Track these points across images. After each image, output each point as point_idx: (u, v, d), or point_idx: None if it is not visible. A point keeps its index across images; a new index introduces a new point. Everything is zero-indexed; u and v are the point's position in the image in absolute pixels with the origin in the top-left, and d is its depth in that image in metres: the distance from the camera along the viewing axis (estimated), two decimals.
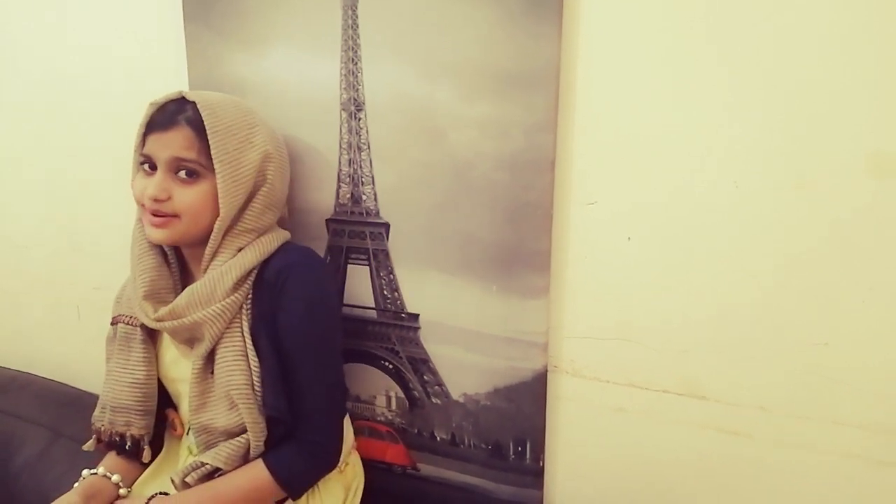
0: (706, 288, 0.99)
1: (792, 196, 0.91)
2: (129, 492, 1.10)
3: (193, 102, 0.99)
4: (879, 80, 0.85)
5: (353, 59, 1.12)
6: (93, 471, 1.09)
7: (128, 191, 1.43)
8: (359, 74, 1.12)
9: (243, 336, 1.01)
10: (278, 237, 1.08)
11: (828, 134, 0.88)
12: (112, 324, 1.13)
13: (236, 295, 1.01)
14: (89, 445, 1.13)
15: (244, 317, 1.02)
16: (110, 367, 1.11)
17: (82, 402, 1.48)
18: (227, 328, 1.01)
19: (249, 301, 1.03)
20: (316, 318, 1.05)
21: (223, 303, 1.00)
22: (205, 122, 0.98)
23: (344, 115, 1.15)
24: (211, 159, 0.98)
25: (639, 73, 0.96)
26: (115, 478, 1.09)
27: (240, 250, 1.03)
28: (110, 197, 1.50)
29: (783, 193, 0.92)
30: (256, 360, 1.00)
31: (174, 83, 1.30)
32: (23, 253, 1.68)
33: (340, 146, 1.17)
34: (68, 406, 1.49)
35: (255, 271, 1.04)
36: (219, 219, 1.00)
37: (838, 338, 0.93)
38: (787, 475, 1.00)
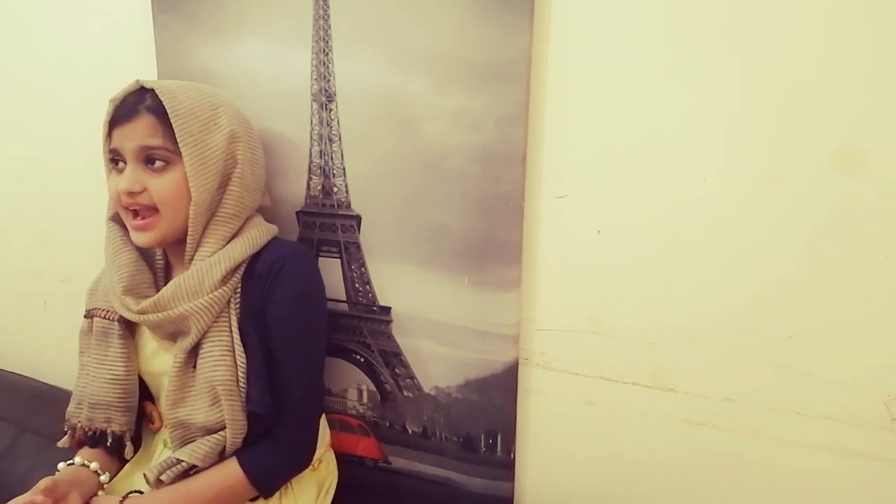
0: (675, 281, 0.99)
1: (760, 190, 0.92)
2: (109, 477, 1.06)
3: (152, 90, 0.99)
4: (850, 75, 0.86)
5: (324, 50, 1.11)
6: (69, 462, 1.06)
7: (98, 181, 1.42)
8: (330, 65, 1.12)
9: (231, 330, 1.00)
10: (268, 231, 1.07)
11: (796, 129, 0.89)
12: (86, 317, 1.11)
13: (224, 288, 1.00)
14: (64, 442, 1.11)
15: (232, 310, 1.01)
16: (85, 361, 1.09)
17: (49, 397, 1.47)
18: (214, 322, 1.00)
19: (238, 294, 1.02)
20: (305, 313, 1.04)
21: (211, 295, 0.99)
22: (166, 107, 0.97)
23: (315, 106, 1.15)
24: (176, 144, 0.97)
25: (609, 66, 0.97)
26: (93, 465, 1.05)
27: (227, 239, 1.02)
28: (80, 188, 1.48)
29: (751, 187, 0.93)
30: (244, 355, 0.99)
31: (143, 74, 1.28)
32: None
33: (311, 138, 1.16)
34: (34, 400, 1.47)
35: (245, 265, 1.03)
36: (192, 203, 0.99)
37: (804, 330, 0.94)
38: (754, 466, 1.01)
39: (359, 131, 1.12)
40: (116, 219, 1.07)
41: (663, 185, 0.97)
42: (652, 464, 1.08)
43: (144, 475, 1.00)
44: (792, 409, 0.97)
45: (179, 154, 0.98)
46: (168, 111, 0.97)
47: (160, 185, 0.98)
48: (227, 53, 1.19)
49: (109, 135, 1.01)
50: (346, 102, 1.12)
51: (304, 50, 1.13)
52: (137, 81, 1.01)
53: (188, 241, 1.01)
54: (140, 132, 0.97)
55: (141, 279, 1.06)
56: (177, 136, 0.97)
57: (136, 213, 1.01)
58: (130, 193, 0.98)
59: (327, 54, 1.11)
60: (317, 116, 1.15)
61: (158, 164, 0.98)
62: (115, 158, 1.01)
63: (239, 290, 1.02)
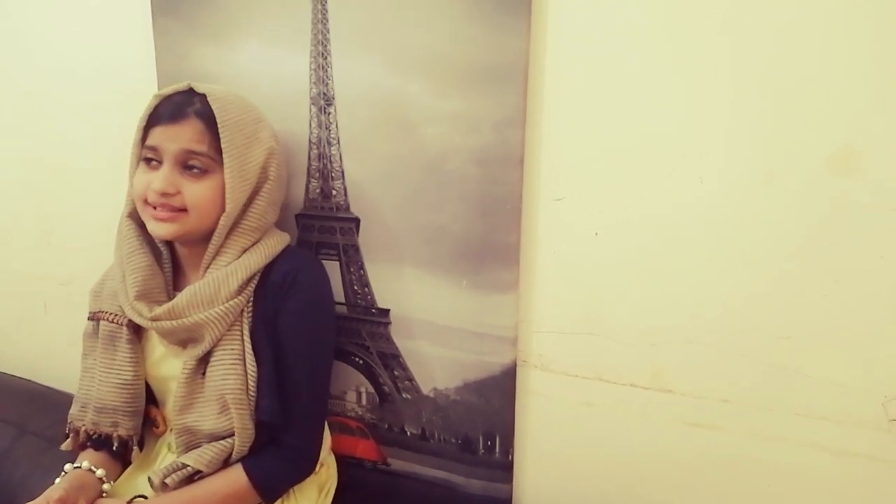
0: (673, 282, 1.00)
1: (756, 191, 0.92)
2: (111, 486, 1.06)
3: (203, 95, 0.98)
4: (849, 75, 0.86)
5: (322, 54, 1.12)
6: (76, 464, 1.05)
7: (98, 182, 1.43)
8: (328, 69, 1.12)
9: (243, 339, 1.00)
10: (282, 240, 1.08)
11: (795, 130, 0.89)
12: (92, 319, 1.10)
13: (240, 297, 1.00)
14: (66, 445, 1.10)
15: (245, 320, 1.01)
16: (89, 364, 1.09)
17: (49, 399, 1.47)
18: (227, 330, 1.00)
19: (251, 304, 1.02)
20: (317, 320, 1.05)
21: (226, 305, 0.99)
22: (216, 116, 0.97)
23: (314, 109, 1.15)
24: (219, 153, 0.97)
25: (607, 67, 0.97)
26: (99, 472, 1.05)
27: (244, 250, 1.02)
28: (80, 189, 1.48)
29: (747, 189, 0.93)
30: (254, 364, 0.99)
31: (143, 76, 1.29)
32: None
33: (310, 141, 1.17)
34: (34, 403, 1.47)
35: (259, 274, 1.03)
36: (224, 214, 0.99)
37: (801, 331, 0.94)
38: (751, 466, 1.01)
39: (357, 134, 1.13)
40: (134, 216, 1.06)
41: (661, 186, 0.97)
42: (650, 465, 1.08)
43: (149, 479, 1.00)
44: (790, 410, 0.97)
45: (219, 163, 0.98)
46: (217, 120, 0.97)
47: (195, 191, 0.98)
48: (227, 56, 1.20)
49: (147, 130, 1.00)
50: (344, 105, 1.12)
51: (303, 53, 1.13)
52: (188, 83, 1.00)
53: (209, 249, 1.01)
54: (186, 136, 0.97)
55: (154, 284, 1.05)
56: (222, 146, 0.97)
57: (162, 207, 0.99)
58: (164, 194, 0.98)
59: (326, 58, 1.12)
60: (315, 120, 1.15)
61: (197, 170, 0.98)
62: (149, 156, 1.00)
63: (252, 299, 1.02)
